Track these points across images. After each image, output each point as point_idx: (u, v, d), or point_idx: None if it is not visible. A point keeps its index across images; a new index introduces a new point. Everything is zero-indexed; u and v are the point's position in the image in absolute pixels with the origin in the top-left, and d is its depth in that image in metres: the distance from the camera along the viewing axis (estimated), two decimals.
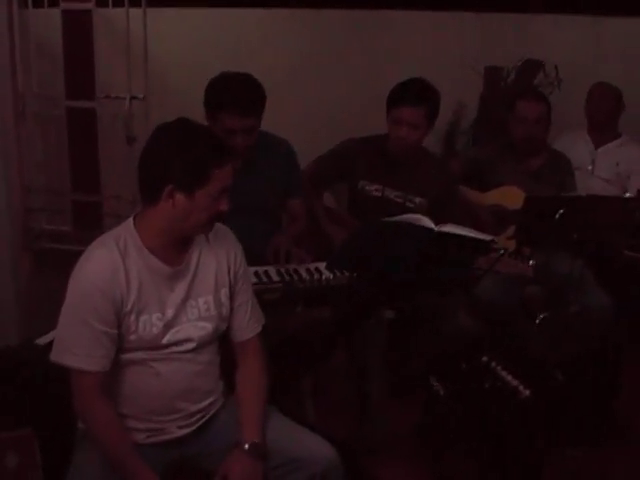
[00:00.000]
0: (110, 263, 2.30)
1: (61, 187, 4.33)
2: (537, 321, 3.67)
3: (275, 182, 3.49)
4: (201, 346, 2.47)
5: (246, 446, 2.43)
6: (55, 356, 2.33)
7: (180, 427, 2.48)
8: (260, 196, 3.42)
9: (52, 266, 4.12)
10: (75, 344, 2.29)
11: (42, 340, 3.14)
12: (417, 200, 3.75)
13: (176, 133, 2.32)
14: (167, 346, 2.40)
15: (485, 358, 3.35)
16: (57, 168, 4.37)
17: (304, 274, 3.15)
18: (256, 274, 3.08)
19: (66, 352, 2.30)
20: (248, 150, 3.33)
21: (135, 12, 4.24)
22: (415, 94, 3.59)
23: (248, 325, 2.60)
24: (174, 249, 2.41)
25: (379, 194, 3.75)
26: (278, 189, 3.52)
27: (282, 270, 3.17)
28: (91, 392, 2.31)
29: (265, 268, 3.15)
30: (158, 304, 2.38)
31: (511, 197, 3.98)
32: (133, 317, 2.34)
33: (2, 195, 3.49)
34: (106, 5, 4.27)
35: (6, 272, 3.52)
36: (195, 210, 2.33)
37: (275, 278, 3.11)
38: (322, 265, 3.20)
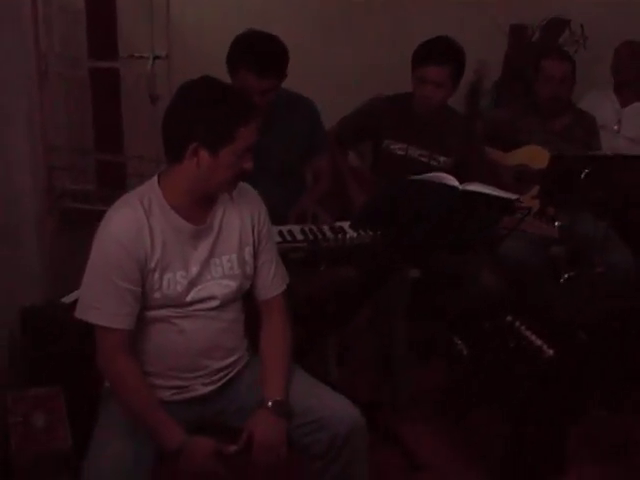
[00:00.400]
0: (134, 221, 2.30)
1: (85, 147, 4.34)
2: (561, 281, 3.65)
3: (297, 140, 3.48)
4: (225, 304, 2.48)
5: (269, 404, 2.44)
6: (80, 313, 2.34)
7: (204, 384, 2.50)
8: (282, 155, 3.41)
9: (76, 225, 4.14)
10: (99, 302, 2.31)
11: (67, 299, 3.16)
12: (441, 159, 3.73)
13: (201, 91, 2.31)
14: (191, 303, 2.41)
15: (509, 317, 3.35)
16: (81, 128, 4.37)
17: (328, 233, 3.15)
18: (280, 233, 3.08)
19: (90, 309, 2.32)
20: (268, 109, 3.32)
21: None
22: (440, 53, 3.55)
23: (272, 283, 2.60)
24: (198, 208, 2.41)
25: (403, 153, 3.74)
26: (301, 148, 3.51)
27: (306, 229, 3.17)
28: (115, 349, 2.33)
29: (289, 227, 3.14)
30: (182, 262, 2.39)
31: (536, 157, 3.96)
32: (157, 275, 2.35)
33: (26, 154, 3.49)
34: None
35: (30, 231, 3.53)
36: (219, 168, 2.32)
37: (299, 237, 3.10)
38: (346, 224, 3.20)
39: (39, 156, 3.84)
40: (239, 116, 2.28)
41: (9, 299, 3.14)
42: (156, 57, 4.16)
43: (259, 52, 3.20)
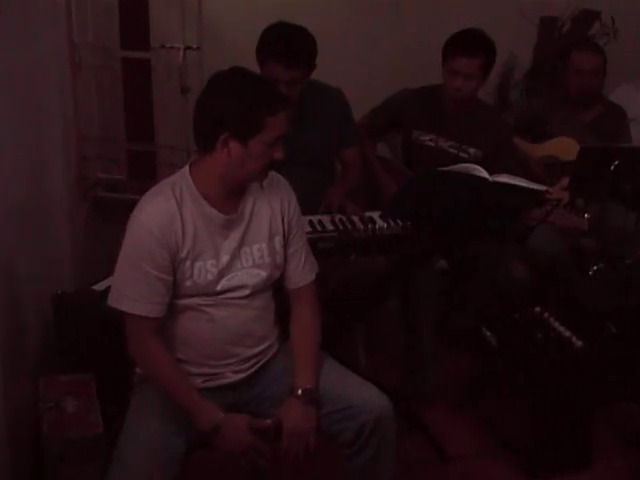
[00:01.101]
0: (166, 210, 2.33)
1: (116, 137, 4.36)
2: (590, 273, 3.65)
3: (327, 132, 3.50)
4: (255, 292, 2.50)
5: (299, 392, 2.46)
6: (112, 301, 2.37)
7: (235, 372, 2.52)
8: (312, 146, 3.43)
9: (107, 214, 4.18)
10: (131, 290, 2.33)
11: (99, 286, 3.21)
12: (471, 150, 3.74)
13: (230, 82, 2.33)
14: (222, 292, 2.43)
15: (538, 309, 3.35)
16: (112, 118, 4.39)
17: (358, 223, 3.17)
18: (310, 223, 3.10)
19: (122, 297, 2.34)
20: (299, 100, 3.34)
21: None
22: (471, 45, 3.56)
23: (302, 272, 2.61)
24: (229, 197, 2.43)
25: (433, 144, 3.75)
26: (331, 139, 3.53)
27: (336, 219, 3.19)
28: (146, 336, 2.36)
29: (319, 217, 3.17)
30: (213, 251, 2.41)
31: (565, 148, 3.96)
32: (188, 264, 2.37)
33: (58, 144, 3.53)
34: None
35: (63, 220, 3.56)
36: (250, 158, 2.33)
37: (329, 227, 3.13)
38: (376, 214, 3.22)
39: (71, 146, 3.88)
40: (266, 106, 2.29)
41: (41, 286, 3.17)
42: (187, 48, 4.17)
43: (286, 44, 3.23)
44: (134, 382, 2.55)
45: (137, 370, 2.54)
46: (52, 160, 3.46)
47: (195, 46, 4.15)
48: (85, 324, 3.14)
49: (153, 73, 4.39)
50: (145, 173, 4.28)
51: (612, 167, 3.45)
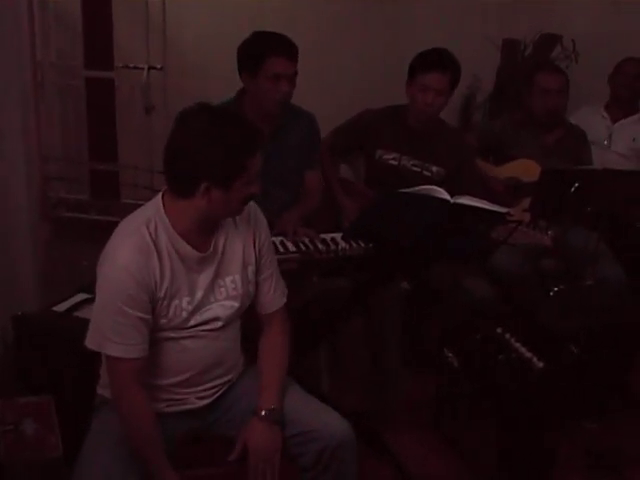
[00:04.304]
0: (143, 250, 2.27)
1: (79, 156, 4.35)
2: (552, 293, 3.67)
3: (298, 154, 3.50)
4: (228, 324, 2.49)
5: (263, 412, 2.45)
6: (93, 345, 2.31)
7: (200, 398, 2.51)
8: (287, 166, 3.44)
9: (70, 234, 4.15)
10: (114, 333, 2.27)
11: (60, 307, 3.18)
12: (434, 169, 3.77)
13: (205, 126, 2.23)
14: (195, 326, 2.41)
15: (499, 329, 3.37)
16: (75, 137, 4.39)
17: (320, 245, 3.17)
18: (273, 244, 3.09)
19: (104, 341, 2.29)
20: (276, 118, 3.36)
21: None
22: (443, 60, 3.61)
23: (273, 298, 2.60)
24: (203, 234, 2.39)
25: (396, 163, 3.77)
26: (299, 161, 3.53)
27: (298, 241, 3.19)
28: (129, 378, 2.31)
29: (281, 239, 3.16)
30: (188, 288, 2.38)
31: (527, 170, 3.99)
32: (165, 302, 2.34)
33: (21, 164, 3.51)
34: None
35: (25, 240, 3.54)
36: (231, 200, 2.30)
37: (292, 249, 3.12)
38: (338, 236, 3.22)
39: (34, 165, 3.85)
40: (247, 149, 2.25)
41: (2, 307, 3.14)
42: (151, 68, 4.18)
43: (283, 38, 3.27)
44: (95, 405, 2.51)
45: (98, 391, 2.51)
46: (14, 180, 3.44)
47: (159, 66, 4.16)
48: (46, 345, 3.11)
49: (117, 92, 4.39)
50: (108, 193, 4.27)
51: (573, 189, 3.48)
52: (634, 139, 4.60)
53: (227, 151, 2.21)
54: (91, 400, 2.54)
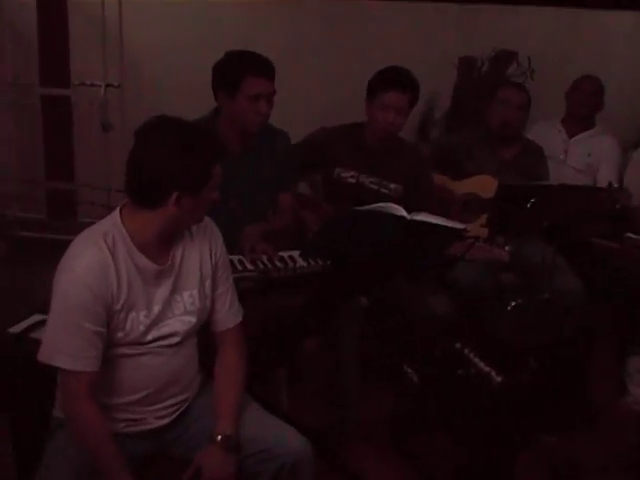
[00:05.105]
0: (101, 263, 2.26)
1: (35, 175, 4.32)
2: (510, 308, 3.70)
3: (268, 174, 3.49)
4: (185, 339, 2.48)
5: (219, 438, 2.43)
6: (46, 358, 2.29)
7: (158, 418, 2.49)
8: (253, 185, 3.43)
9: (26, 254, 4.11)
10: (67, 345, 2.26)
11: (15, 329, 3.14)
12: (392, 186, 3.78)
13: (171, 137, 2.27)
14: (152, 341, 2.40)
15: (458, 344, 3.38)
16: (31, 156, 4.36)
17: (278, 263, 3.17)
18: (231, 262, 3.08)
19: (58, 354, 2.26)
20: (251, 138, 3.36)
21: None
22: (403, 80, 3.64)
23: (228, 315, 2.60)
24: (161, 246, 2.39)
25: (354, 180, 3.78)
26: (271, 181, 3.52)
27: (256, 259, 3.18)
28: (82, 392, 2.29)
29: (239, 257, 3.15)
30: (145, 302, 2.37)
31: (484, 186, 4.01)
32: (122, 315, 2.32)
33: None
34: None
35: None
36: (199, 207, 2.35)
37: (249, 267, 3.12)
38: (296, 253, 3.22)
39: None
40: (213, 155, 2.30)
41: None
42: (108, 85, 4.16)
43: (260, 57, 3.26)
44: (51, 427, 2.48)
45: (55, 414, 2.48)
46: None
47: (116, 83, 4.14)
48: (1, 367, 3.07)
49: (73, 110, 4.36)
50: (65, 212, 4.24)
51: (529, 204, 3.52)
52: (589, 154, 4.65)
53: (196, 159, 2.26)
54: (47, 422, 2.51)
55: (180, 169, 2.24)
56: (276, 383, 3.56)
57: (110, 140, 4.04)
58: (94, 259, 2.26)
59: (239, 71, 3.24)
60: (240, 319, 2.64)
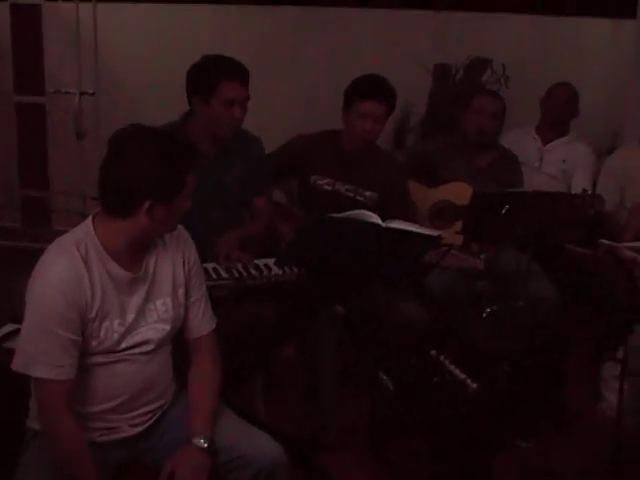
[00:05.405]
0: (74, 271, 2.26)
1: (9, 183, 4.29)
2: (485, 315, 3.71)
3: (243, 179, 3.49)
4: (159, 347, 2.47)
5: (194, 441, 2.42)
6: (20, 367, 2.27)
7: (132, 426, 2.48)
8: (227, 190, 3.44)
9: (0, 263, 4.09)
10: (43, 354, 2.24)
11: None
12: (367, 194, 3.80)
13: (144, 145, 2.27)
14: (126, 349, 2.39)
15: (434, 352, 3.39)
16: (5, 163, 4.33)
17: (253, 271, 3.16)
18: (205, 271, 3.08)
19: (33, 363, 2.25)
20: (224, 142, 3.37)
21: (85, 6, 4.21)
22: (380, 88, 3.66)
23: (202, 322, 2.59)
24: (134, 254, 2.39)
25: (330, 188, 3.79)
26: (244, 186, 3.52)
27: (231, 267, 3.18)
28: (59, 402, 2.27)
29: (214, 265, 3.15)
30: (119, 310, 2.36)
31: (460, 193, 4.02)
32: (96, 324, 2.31)
33: None
34: None
35: None
36: (171, 216, 2.34)
37: (224, 275, 3.11)
38: (271, 261, 3.22)
39: None
40: (188, 164, 2.30)
41: None
42: (83, 93, 4.15)
43: (234, 62, 3.28)
44: (25, 439, 2.46)
45: (29, 425, 2.46)
46: None
47: (91, 91, 4.13)
48: None
49: (48, 118, 4.34)
50: (39, 220, 4.22)
51: (503, 211, 3.53)
52: (564, 160, 4.68)
53: (170, 168, 2.26)
54: (21, 433, 2.48)
55: (152, 178, 2.24)
56: (251, 390, 3.56)
57: (85, 148, 4.03)
58: (67, 268, 2.26)
59: (215, 75, 3.25)
60: (214, 326, 2.63)
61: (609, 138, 5.36)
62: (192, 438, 2.43)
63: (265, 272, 3.16)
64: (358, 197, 3.79)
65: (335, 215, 2.86)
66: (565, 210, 3.85)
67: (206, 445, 2.43)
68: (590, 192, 3.94)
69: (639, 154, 4.48)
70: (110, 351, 2.36)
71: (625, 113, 4.83)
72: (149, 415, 2.51)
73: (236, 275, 3.13)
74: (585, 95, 4.72)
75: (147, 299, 2.43)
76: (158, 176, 2.24)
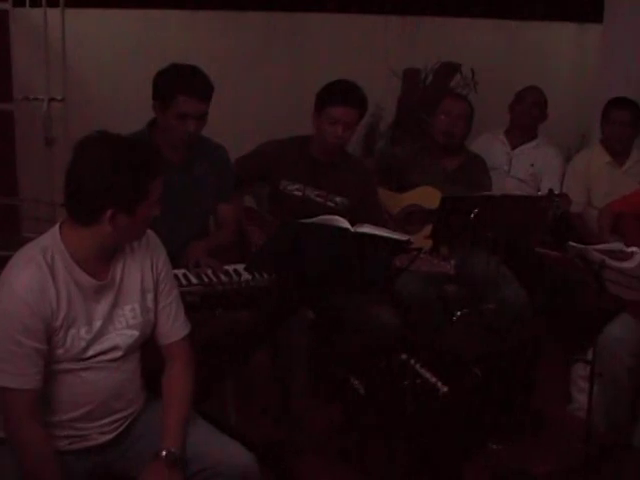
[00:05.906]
0: (39, 279, 2.25)
1: None
2: (455, 318, 3.73)
3: (207, 187, 3.49)
4: (128, 353, 2.46)
5: (163, 454, 2.40)
6: None
7: (101, 433, 2.46)
8: (191, 198, 3.43)
9: None
10: (7, 363, 2.24)
11: None
12: (338, 199, 3.80)
13: (107, 153, 2.25)
14: (94, 356, 2.38)
15: (404, 356, 3.40)
16: None
17: (223, 277, 3.16)
18: (175, 277, 3.07)
19: None
20: (186, 150, 3.36)
21: (53, 12, 4.19)
22: (351, 95, 3.66)
23: (173, 328, 2.58)
24: (101, 262, 2.38)
25: (300, 194, 3.79)
26: (209, 194, 3.52)
27: (201, 273, 3.18)
28: (24, 411, 2.26)
29: (184, 271, 3.15)
30: (86, 317, 2.35)
31: (428, 197, 4.05)
32: (62, 332, 2.30)
33: None
34: (23, 5, 4.22)
35: None
36: (136, 224, 2.33)
37: (194, 281, 3.11)
38: (241, 267, 3.22)
39: None
40: (149, 173, 2.28)
41: None
42: (52, 99, 4.13)
43: (194, 76, 3.27)
44: None
45: None
46: None
47: (60, 97, 4.11)
48: None
49: (16, 125, 4.31)
50: (8, 227, 4.19)
51: (472, 215, 3.55)
52: (532, 164, 4.72)
53: (131, 177, 2.24)
54: None
55: (115, 187, 2.23)
56: (223, 397, 3.56)
57: (53, 154, 4.01)
58: (32, 276, 2.25)
59: (172, 87, 3.25)
60: (187, 332, 2.62)
61: (578, 141, 5.41)
62: (162, 448, 2.41)
63: (235, 278, 3.16)
64: (328, 203, 3.79)
65: (305, 220, 2.87)
66: (533, 212, 3.88)
67: (175, 455, 2.42)
68: (557, 192, 3.98)
69: (601, 155, 4.55)
70: (77, 359, 2.35)
71: (592, 115, 4.87)
72: (119, 422, 2.49)
73: (206, 281, 3.12)
74: (553, 98, 4.76)
75: (115, 305, 2.42)
76: (117, 185, 2.23)
